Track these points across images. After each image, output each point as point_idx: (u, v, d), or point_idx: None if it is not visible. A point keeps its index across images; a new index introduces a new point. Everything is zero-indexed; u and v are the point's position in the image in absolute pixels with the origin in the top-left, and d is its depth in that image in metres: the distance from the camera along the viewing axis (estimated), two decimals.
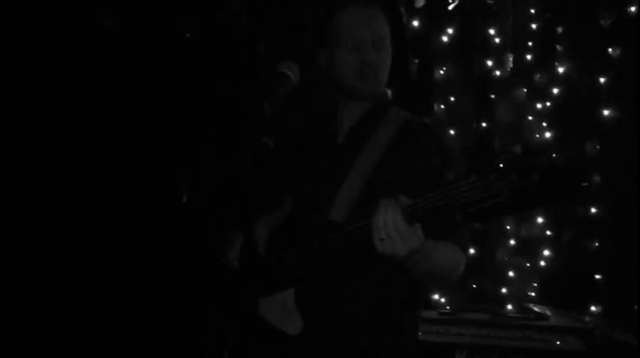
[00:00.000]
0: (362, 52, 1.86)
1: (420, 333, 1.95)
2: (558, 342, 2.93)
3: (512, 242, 4.34)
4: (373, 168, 1.82)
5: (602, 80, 4.03)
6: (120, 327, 3.09)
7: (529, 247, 4.32)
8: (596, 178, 3.88)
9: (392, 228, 1.46)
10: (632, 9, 3.89)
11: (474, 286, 4.13)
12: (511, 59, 4.16)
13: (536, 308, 3.36)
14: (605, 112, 4.00)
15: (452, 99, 4.14)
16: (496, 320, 3.40)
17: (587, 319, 2.77)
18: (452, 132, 4.12)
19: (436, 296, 3.84)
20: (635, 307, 2.49)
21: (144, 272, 3.08)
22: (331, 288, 1.80)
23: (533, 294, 4.22)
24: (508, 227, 4.33)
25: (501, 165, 1.27)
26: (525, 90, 4.22)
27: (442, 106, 4.14)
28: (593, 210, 4.13)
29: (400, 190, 1.55)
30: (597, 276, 4.10)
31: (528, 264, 4.31)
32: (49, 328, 3.04)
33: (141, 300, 3.08)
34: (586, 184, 1.23)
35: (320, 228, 1.75)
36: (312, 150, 2.01)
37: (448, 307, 3.75)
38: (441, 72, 4.11)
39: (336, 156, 1.92)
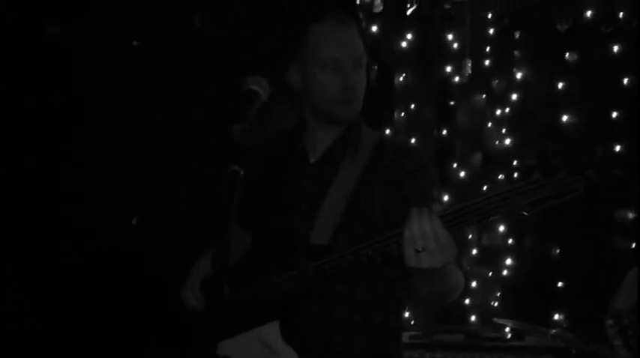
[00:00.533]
0: (342, 74, 1.72)
1: None
2: None
3: (474, 251, 4.27)
4: (353, 188, 1.73)
5: (560, 85, 4.01)
6: (120, 327, 2.97)
7: (491, 256, 4.26)
8: None
9: (431, 238, 1.35)
10: (588, 13, 3.88)
11: None
12: (469, 65, 4.10)
13: (500, 322, 3.26)
14: (564, 117, 3.97)
15: (412, 106, 4.05)
16: (471, 343, 3.28)
17: (552, 332, 2.69)
18: (413, 140, 4.03)
19: None
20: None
21: (143, 272, 2.95)
22: (318, 317, 1.69)
23: (496, 304, 4.15)
24: (470, 236, 4.26)
25: (573, 165, 1.32)
26: (484, 96, 4.17)
27: (402, 114, 4.05)
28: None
29: (388, 211, 1.53)
30: (560, 284, 4.06)
31: (491, 273, 4.24)
32: (49, 328, 2.89)
33: (141, 300, 2.95)
34: None
35: (303, 253, 1.64)
36: (280, 170, 1.87)
37: (413, 322, 3.62)
38: (401, 79, 4.02)
39: (310, 175, 1.80)
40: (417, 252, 1.36)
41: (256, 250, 1.85)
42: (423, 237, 1.36)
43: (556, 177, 1.31)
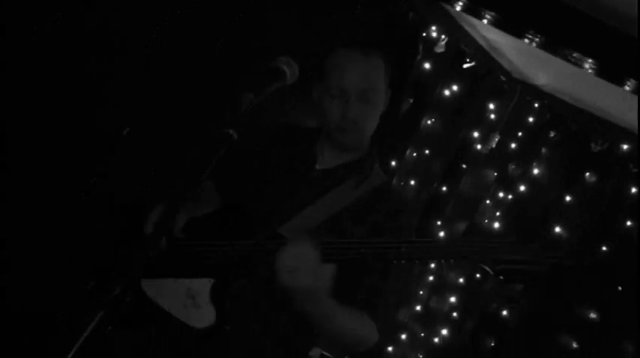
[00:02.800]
0: (345, 103, 1.76)
1: None
2: None
3: (418, 307, 4.30)
4: (339, 211, 1.77)
5: (567, 198, 4.03)
6: None
7: (431, 319, 4.29)
8: None
9: (302, 260, 1.50)
10: (625, 147, 3.90)
11: None
12: (496, 139, 4.11)
13: None
14: (557, 229, 3.99)
15: (426, 151, 4.06)
16: None
17: None
18: (412, 182, 4.04)
19: None
20: None
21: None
22: (245, 299, 1.73)
23: None
24: (421, 292, 4.29)
25: (548, 239, 1.39)
26: (495, 174, 4.18)
27: (415, 154, 4.05)
28: (505, 312, 4.14)
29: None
30: None
31: (423, 335, 4.28)
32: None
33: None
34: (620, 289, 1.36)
35: (265, 237, 1.66)
36: (283, 160, 1.91)
37: None
38: (429, 122, 4.02)
39: (309, 179, 1.85)
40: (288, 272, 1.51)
41: (223, 216, 1.86)
42: (295, 258, 1.51)
43: (528, 246, 1.37)
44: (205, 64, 3.03)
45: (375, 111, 1.81)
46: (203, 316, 1.67)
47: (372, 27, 3.32)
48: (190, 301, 1.70)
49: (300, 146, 1.92)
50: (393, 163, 3.99)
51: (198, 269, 1.71)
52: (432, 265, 4.28)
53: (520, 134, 4.11)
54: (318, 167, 1.86)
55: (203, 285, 1.69)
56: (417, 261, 1.59)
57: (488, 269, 1.41)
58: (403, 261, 1.54)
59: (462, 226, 4.18)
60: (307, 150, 1.90)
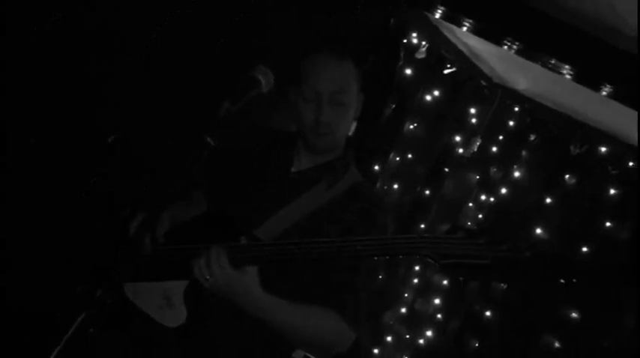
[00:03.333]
0: (318, 107, 1.80)
1: None
2: None
3: (403, 310, 4.35)
4: (313, 211, 1.81)
5: (548, 200, 4.10)
6: None
7: (416, 321, 4.34)
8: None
9: (215, 262, 1.58)
10: (603, 149, 3.97)
11: None
12: (478, 143, 4.18)
13: None
14: (538, 231, 4.06)
15: (409, 156, 4.11)
16: None
17: None
18: (395, 186, 4.09)
19: None
20: None
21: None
22: (217, 301, 1.72)
23: None
24: (406, 295, 4.35)
25: (493, 234, 1.42)
26: (478, 177, 4.25)
27: (398, 158, 4.10)
28: (488, 313, 4.20)
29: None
30: None
31: (408, 336, 4.33)
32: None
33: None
34: (564, 282, 1.41)
35: (242, 239, 1.70)
36: (261, 163, 1.96)
37: None
38: (411, 127, 4.07)
39: (285, 182, 1.89)
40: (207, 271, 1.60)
41: (204, 220, 1.92)
42: (207, 265, 1.59)
43: (473, 241, 1.43)
44: (205, 64, 3.05)
45: (347, 115, 1.85)
46: (176, 316, 1.71)
47: (371, 27, 3.37)
48: (165, 302, 1.74)
49: (279, 149, 1.97)
50: (377, 167, 4.04)
51: (177, 272, 1.74)
52: (417, 267, 4.33)
53: (501, 138, 4.18)
54: (293, 169, 1.91)
55: (178, 286, 1.73)
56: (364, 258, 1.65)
57: (433, 262, 1.46)
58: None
59: (445, 228, 4.22)
60: (285, 153, 1.94)
